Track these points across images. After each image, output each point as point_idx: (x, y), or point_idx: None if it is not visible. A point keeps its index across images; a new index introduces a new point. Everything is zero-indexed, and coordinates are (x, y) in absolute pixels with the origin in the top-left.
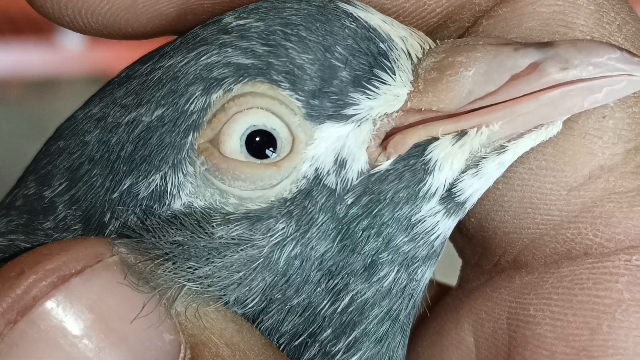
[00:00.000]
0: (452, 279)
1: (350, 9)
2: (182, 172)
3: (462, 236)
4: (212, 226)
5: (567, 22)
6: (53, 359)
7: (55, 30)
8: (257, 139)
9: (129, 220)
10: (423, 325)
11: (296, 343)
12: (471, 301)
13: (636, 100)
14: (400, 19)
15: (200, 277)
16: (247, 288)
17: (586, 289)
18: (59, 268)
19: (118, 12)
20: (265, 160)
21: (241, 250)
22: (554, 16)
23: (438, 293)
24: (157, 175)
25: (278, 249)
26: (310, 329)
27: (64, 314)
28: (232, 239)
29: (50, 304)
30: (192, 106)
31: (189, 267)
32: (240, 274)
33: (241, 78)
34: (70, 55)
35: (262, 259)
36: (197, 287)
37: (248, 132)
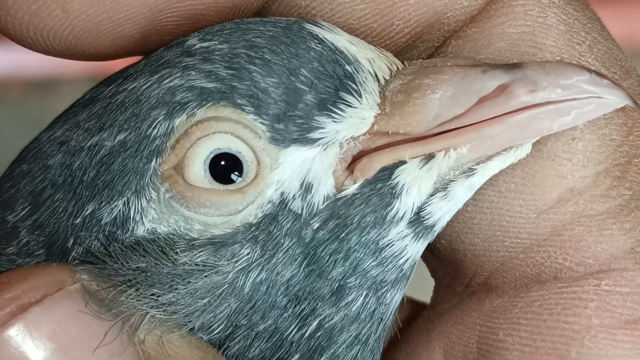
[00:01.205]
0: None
1: (316, 30)
2: (146, 198)
3: (434, 257)
4: (176, 252)
5: (536, 42)
6: None
7: None
8: (222, 162)
9: (92, 246)
10: (395, 348)
11: None
12: (442, 324)
13: (606, 122)
14: (368, 39)
15: (164, 304)
16: (212, 314)
17: (555, 314)
18: (18, 297)
19: (80, 34)
20: (230, 186)
21: (205, 276)
22: (523, 37)
23: (413, 311)
24: (120, 201)
25: (243, 275)
26: (278, 354)
27: (24, 343)
28: (196, 265)
29: (9, 334)
30: (155, 131)
31: (153, 294)
32: (205, 300)
33: (204, 102)
34: None
35: (227, 285)
36: (160, 314)
37: (212, 155)
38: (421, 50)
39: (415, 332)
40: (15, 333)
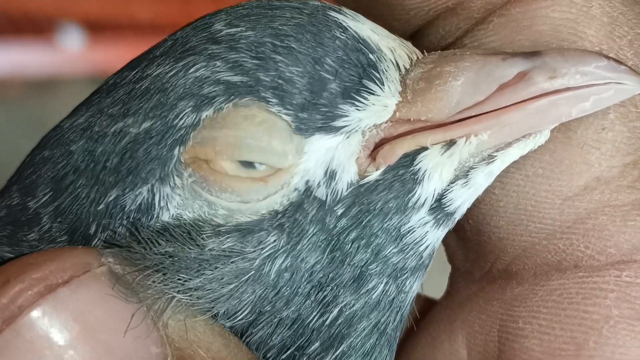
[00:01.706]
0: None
1: (340, 17)
2: (170, 185)
3: (457, 240)
4: (203, 238)
5: (577, 30)
6: None
7: (55, 30)
8: None
9: (117, 232)
10: (414, 337)
11: (284, 356)
12: (464, 313)
13: (638, 115)
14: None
15: (191, 288)
16: (237, 300)
17: (575, 303)
18: (45, 277)
19: None
20: (253, 173)
21: (232, 262)
22: (565, 23)
23: (424, 307)
24: (144, 188)
25: (269, 262)
26: (299, 342)
27: (50, 324)
28: (224, 251)
29: (36, 314)
30: (182, 122)
31: (180, 279)
32: (231, 286)
33: (232, 97)
34: (70, 55)
35: (253, 272)
36: (187, 298)
37: None
38: (460, 19)
39: (435, 321)
40: (43, 313)
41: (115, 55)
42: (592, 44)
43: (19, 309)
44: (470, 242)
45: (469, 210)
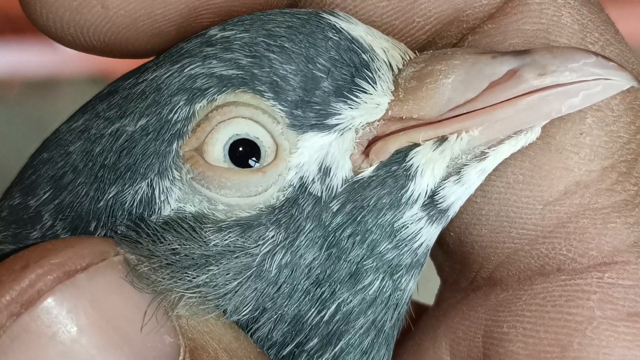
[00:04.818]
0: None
1: (333, 20)
2: (169, 179)
3: (442, 252)
4: (206, 233)
5: (550, 40)
6: (54, 355)
7: None
8: (240, 148)
9: (118, 228)
10: (401, 345)
11: (284, 353)
12: (448, 320)
13: (614, 120)
14: (389, 36)
15: (199, 285)
16: (242, 297)
17: (558, 306)
18: (64, 263)
19: (119, 30)
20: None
21: (235, 257)
22: (537, 34)
23: (415, 313)
24: (144, 183)
25: (269, 257)
26: (298, 339)
27: (68, 310)
28: (227, 246)
29: (54, 299)
30: (176, 115)
31: (187, 275)
32: (236, 282)
33: (225, 88)
34: (70, 55)
35: (255, 267)
36: (195, 295)
37: (231, 141)
38: (440, 47)
39: (421, 329)
40: (61, 298)
41: None
42: None
43: (37, 293)
44: (454, 254)
45: (451, 222)
